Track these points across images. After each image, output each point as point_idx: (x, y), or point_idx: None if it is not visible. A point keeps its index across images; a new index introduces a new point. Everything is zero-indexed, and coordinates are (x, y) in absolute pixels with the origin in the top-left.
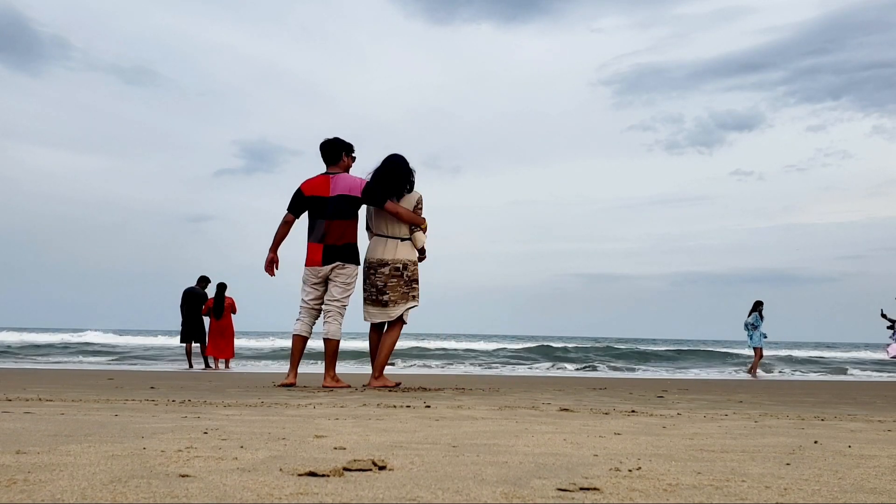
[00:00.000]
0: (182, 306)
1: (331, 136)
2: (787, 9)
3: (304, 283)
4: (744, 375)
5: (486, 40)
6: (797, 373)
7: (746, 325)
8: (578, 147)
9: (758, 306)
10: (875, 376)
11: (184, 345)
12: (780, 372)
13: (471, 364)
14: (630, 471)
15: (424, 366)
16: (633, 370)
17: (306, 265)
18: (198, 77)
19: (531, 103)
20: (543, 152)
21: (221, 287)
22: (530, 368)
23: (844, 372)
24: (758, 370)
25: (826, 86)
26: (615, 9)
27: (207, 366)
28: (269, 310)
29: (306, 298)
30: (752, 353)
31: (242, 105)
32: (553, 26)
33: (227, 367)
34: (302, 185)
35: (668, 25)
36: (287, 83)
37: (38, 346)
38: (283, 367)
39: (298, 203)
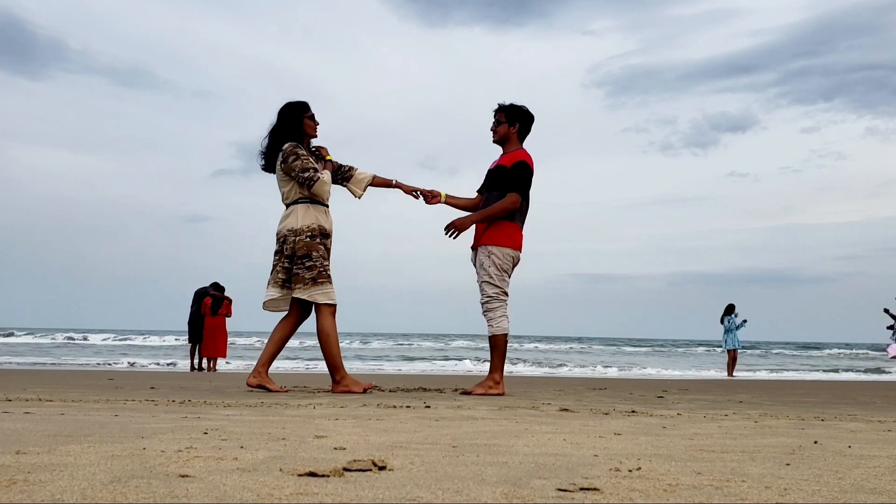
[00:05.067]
0: (193, 306)
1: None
2: (776, 11)
3: (503, 270)
4: (743, 375)
5: (479, 43)
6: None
7: (728, 329)
8: (574, 148)
9: (732, 309)
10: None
11: (190, 345)
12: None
13: (471, 363)
14: (630, 471)
15: (424, 364)
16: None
17: (513, 248)
18: (195, 78)
19: (526, 104)
20: (539, 153)
21: (220, 288)
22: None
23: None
24: (733, 370)
25: (818, 87)
26: (606, 11)
27: (200, 367)
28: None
29: (508, 290)
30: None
31: (240, 106)
32: (545, 29)
33: (214, 366)
34: (529, 160)
35: (659, 27)
36: (285, 84)
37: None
38: (284, 367)
39: (529, 184)
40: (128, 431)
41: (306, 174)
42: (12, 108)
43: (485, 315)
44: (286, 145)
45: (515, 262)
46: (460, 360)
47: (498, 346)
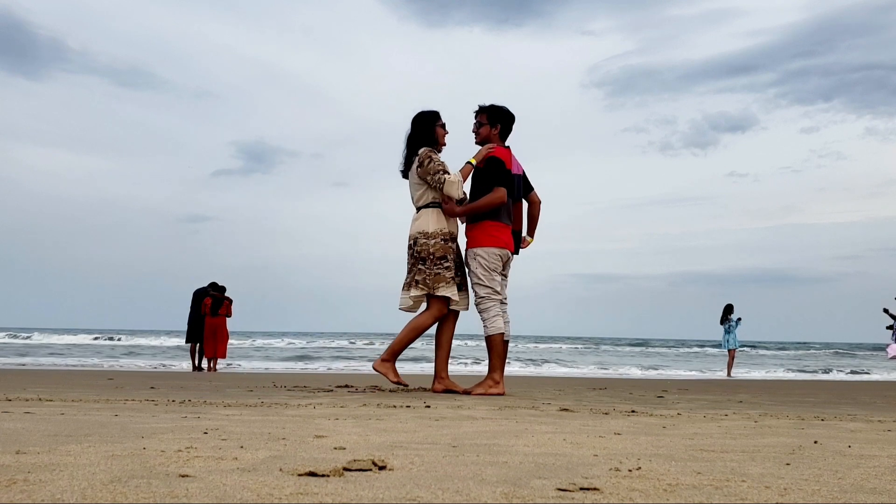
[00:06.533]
0: (192, 306)
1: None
2: (775, 11)
3: (492, 270)
4: (743, 375)
5: (479, 43)
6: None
7: (728, 328)
8: (573, 148)
9: (731, 310)
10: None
11: (189, 345)
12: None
13: (471, 364)
14: (630, 471)
15: (424, 365)
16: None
17: (499, 246)
18: (195, 78)
19: (525, 105)
20: (539, 153)
21: (221, 289)
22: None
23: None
24: (732, 370)
25: (817, 88)
26: (606, 11)
27: (200, 367)
28: (265, 310)
29: (500, 290)
30: (726, 354)
31: (240, 106)
32: (545, 29)
33: (214, 367)
34: (500, 155)
35: (659, 28)
36: (284, 84)
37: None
38: (284, 367)
39: (509, 179)
40: (128, 431)
41: (437, 176)
42: (12, 108)
43: (480, 316)
44: (421, 150)
45: (505, 260)
46: (460, 360)
47: (494, 345)
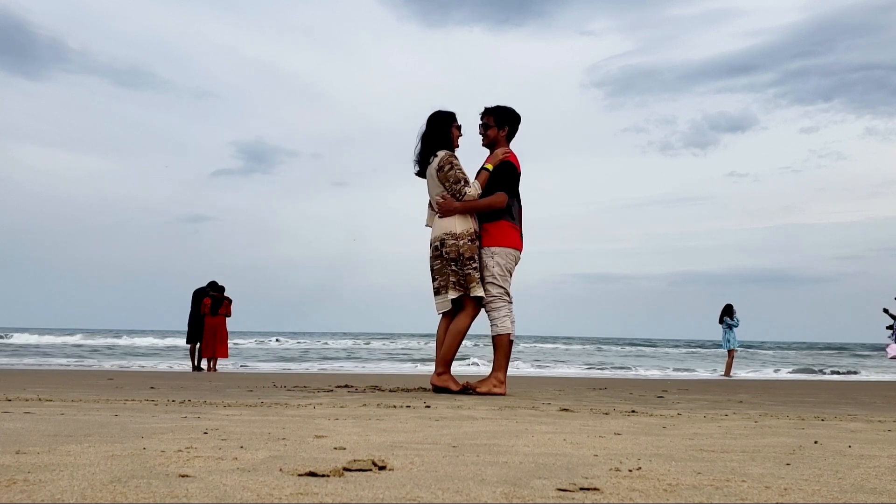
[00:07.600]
0: (192, 306)
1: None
2: (775, 11)
3: (507, 270)
4: (743, 375)
5: (479, 43)
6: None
7: (728, 327)
8: (573, 148)
9: (730, 310)
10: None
11: (189, 345)
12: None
13: (472, 364)
14: (630, 471)
15: (425, 366)
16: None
17: (514, 247)
18: (195, 78)
19: (525, 105)
20: (539, 153)
21: (220, 289)
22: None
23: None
24: (732, 370)
25: (817, 88)
26: (605, 11)
27: (199, 367)
28: (265, 309)
29: (510, 291)
30: (725, 353)
31: (240, 106)
32: (544, 29)
33: (214, 367)
34: (514, 160)
35: (658, 28)
36: (284, 84)
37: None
38: (283, 367)
39: (516, 185)
40: (128, 431)
41: (457, 185)
42: (12, 108)
43: (488, 315)
44: (442, 153)
45: (517, 262)
46: (462, 360)
47: (501, 345)
